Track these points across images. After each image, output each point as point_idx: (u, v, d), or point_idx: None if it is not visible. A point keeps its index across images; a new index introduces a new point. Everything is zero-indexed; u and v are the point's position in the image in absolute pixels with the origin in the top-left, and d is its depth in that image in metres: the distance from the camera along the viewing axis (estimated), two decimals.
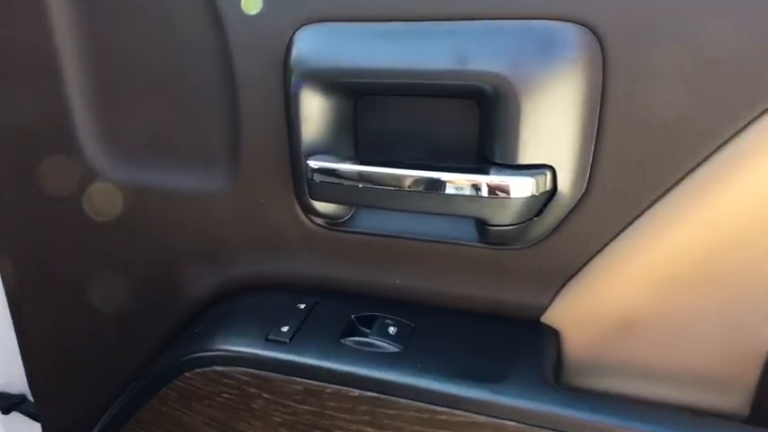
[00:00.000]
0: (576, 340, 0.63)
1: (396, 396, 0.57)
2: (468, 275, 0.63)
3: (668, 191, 0.54)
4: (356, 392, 0.58)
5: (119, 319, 0.75)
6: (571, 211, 0.57)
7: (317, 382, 0.59)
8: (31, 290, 0.76)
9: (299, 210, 0.64)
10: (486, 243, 0.60)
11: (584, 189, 0.56)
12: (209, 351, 0.62)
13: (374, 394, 0.57)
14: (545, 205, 0.57)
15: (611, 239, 0.57)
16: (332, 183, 0.57)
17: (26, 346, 0.80)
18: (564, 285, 0.61)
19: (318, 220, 0.64)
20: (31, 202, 0.69)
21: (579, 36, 0.50)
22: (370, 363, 0.58)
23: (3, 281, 0.77)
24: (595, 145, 0.54)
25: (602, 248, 0.58)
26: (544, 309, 0.63)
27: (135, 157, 0.65)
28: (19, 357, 0.82)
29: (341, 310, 0.66)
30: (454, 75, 0.51)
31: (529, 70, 0.50)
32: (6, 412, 0.91)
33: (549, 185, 0.55)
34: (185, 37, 0.58)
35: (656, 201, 0.54)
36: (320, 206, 0.62)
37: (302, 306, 0.65)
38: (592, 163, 0.55)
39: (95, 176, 0.65)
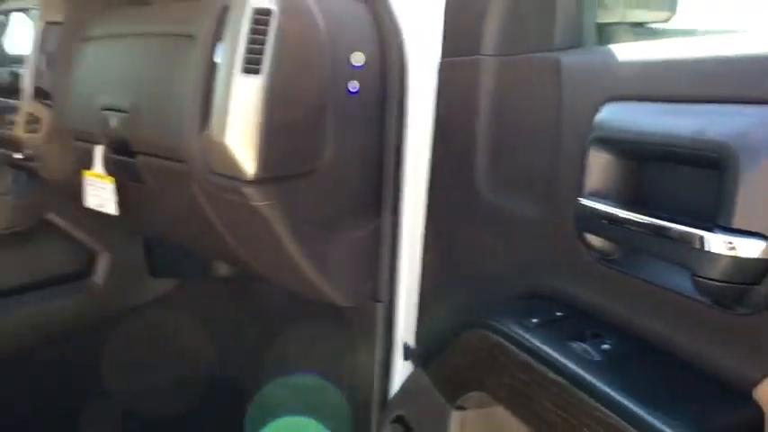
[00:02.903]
0: None
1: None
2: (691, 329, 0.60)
3: None
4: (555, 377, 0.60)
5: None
6: None
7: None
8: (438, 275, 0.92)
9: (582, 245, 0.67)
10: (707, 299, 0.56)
11: None
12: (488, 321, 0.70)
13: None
14: None
15: None
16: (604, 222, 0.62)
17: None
18: None
19: (593, 253, 0.67)
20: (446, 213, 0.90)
21: None
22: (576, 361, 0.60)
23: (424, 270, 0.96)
24: None
25: None
26: (756, 382, 0.54)
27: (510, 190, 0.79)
28: None
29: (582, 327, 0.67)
30: (695, 143, 0.55)
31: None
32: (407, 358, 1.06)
33: None
34: (543, 113, 0.71)
35: None
36: (595, 240, 0.65)
37: (559, 314, 0.69)
38: None
39: (487, 202, 0.81)
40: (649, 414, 0.51)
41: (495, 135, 0.79)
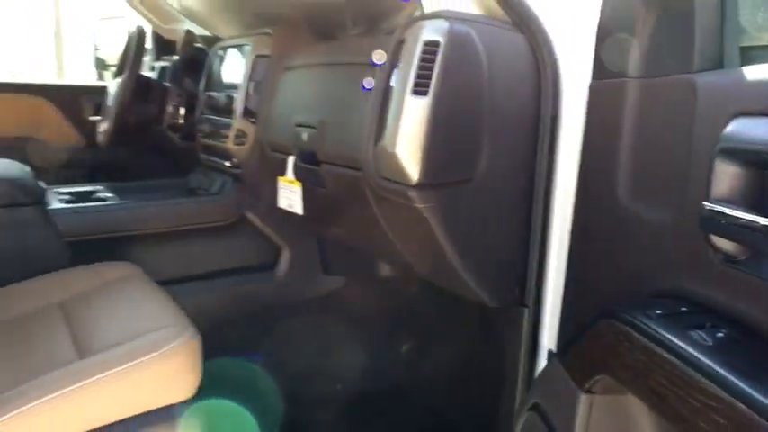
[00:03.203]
0: None
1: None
2: None
3: None
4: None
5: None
6: None
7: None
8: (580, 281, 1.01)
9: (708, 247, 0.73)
10: None
11: None
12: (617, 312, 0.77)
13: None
14: None
15: None
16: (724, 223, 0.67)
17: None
18: None
19: (719, 255, 0.71)
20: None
21: None
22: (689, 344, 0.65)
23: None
24: None
25: None
26: None
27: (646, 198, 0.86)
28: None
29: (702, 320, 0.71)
30: None
31: None
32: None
33: None
34: (679, 130, 0.78)
35: None
36: (720, 243, 0.70)
37: (683, 309, 0.74)
38: None
39: (626, 209, 0.88)
40: (751, 387, 0.55)
41: (635, 149, 0.85)
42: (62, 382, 0.89)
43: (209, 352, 1.11)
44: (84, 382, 0.89)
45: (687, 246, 0.75)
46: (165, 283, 1.29)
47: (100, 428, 0.90)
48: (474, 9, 1.10)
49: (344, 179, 1.22)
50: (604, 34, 0.92)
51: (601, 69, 0.92)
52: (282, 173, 1.44)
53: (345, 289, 1.91)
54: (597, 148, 0.93)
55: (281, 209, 1.50)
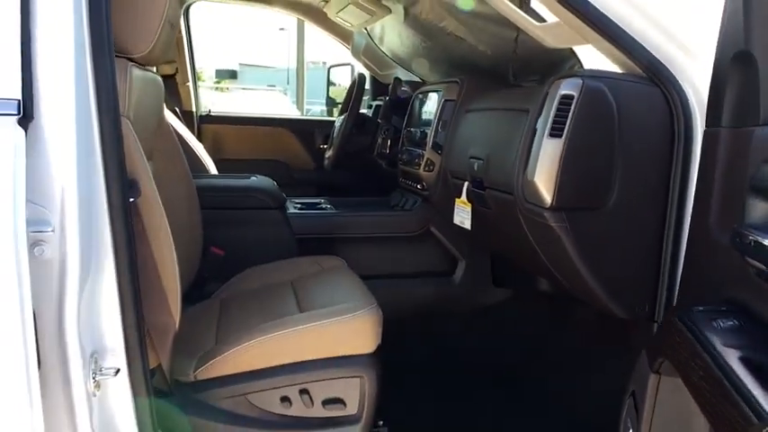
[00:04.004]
0: None
1: None
2: None
3: None
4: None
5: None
6: None
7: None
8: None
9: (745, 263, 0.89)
10: None
11: None
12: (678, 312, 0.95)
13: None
14: None
15: None
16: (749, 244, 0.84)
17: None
18: None
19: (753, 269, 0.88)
20: None
21: None
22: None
23: None
24: None
25: None
26: None
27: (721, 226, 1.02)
28: None
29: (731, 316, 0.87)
30: None
31: None
32: None
33: None
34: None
35: None
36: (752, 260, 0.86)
37: (723, 308, 0.92)
38: None
39: (713, 238, 1.03)
40: (733, 357, 0.72)
41: (721, 187, 1.02)
42: (288, 325, 1.33)
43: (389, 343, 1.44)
44: (301, 326, 1.32)
45: (738, 263, 0.90)
46: (363, 277, 1.68)
47: (310, 361, 1.31)
48: (615, 67, 1.33)
49: (502, 202, 1.51)
50: (711, 88, 1.09)
51: (709, 118, 1.10)
52: (459, 195, 1.77)
53: (512, 300, 2.17)
54: (703, 186, 1.10)
55: (457, 225, 1.82)
